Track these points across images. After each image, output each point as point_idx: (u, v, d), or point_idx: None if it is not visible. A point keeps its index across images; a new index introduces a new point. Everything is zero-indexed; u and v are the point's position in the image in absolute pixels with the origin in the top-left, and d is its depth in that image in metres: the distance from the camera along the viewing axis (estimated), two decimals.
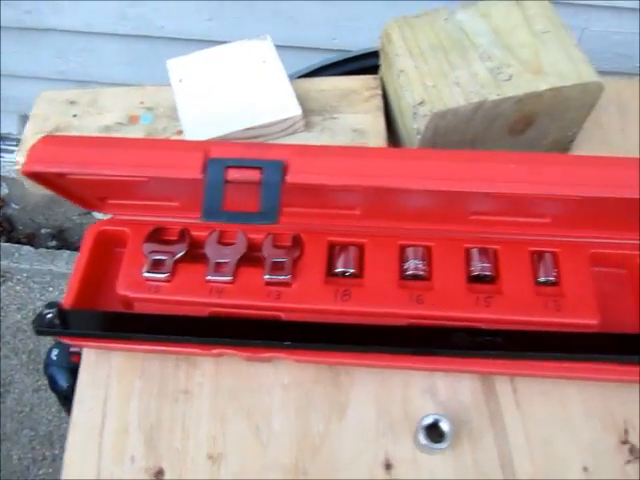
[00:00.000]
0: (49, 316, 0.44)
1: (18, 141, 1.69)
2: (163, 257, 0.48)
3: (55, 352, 1.18)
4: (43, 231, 1.70)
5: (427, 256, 0.48)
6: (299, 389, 0.46)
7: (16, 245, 1.57)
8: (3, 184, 1.76)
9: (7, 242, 1.61)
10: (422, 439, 0.41)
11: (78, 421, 0.46)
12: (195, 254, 0.50)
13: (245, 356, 0.46)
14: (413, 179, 0.39)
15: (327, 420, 0.45)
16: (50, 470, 1.35)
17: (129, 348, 0.47)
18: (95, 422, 0.46)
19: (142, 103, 0.57)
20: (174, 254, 0.49)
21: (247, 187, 0.39)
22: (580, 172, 0.38)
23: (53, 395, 1.42)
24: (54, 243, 1.67)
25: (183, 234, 0.50)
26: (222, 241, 0.50)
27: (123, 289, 0.48)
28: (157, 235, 0.50)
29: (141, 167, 0.40)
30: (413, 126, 0.49)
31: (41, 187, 0.52)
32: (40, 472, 1.36)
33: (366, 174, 0.39)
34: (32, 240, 1.68)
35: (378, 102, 0.55)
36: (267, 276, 0.47)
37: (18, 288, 1.56)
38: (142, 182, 0.43)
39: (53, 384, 1.19)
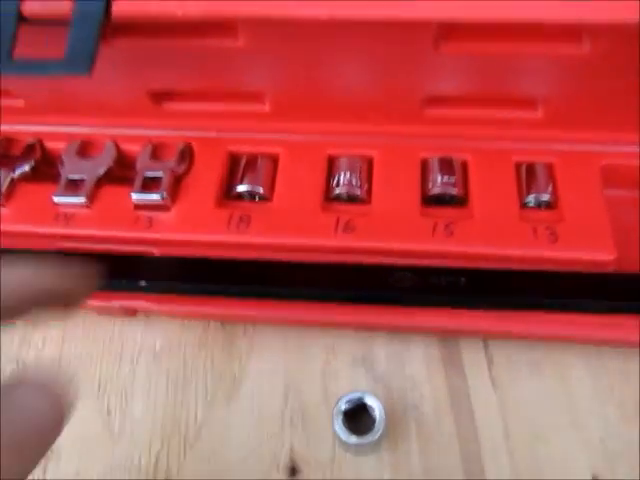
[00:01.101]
0: None
1: None
2: None
3: None
4: None
5: (365, 170, 0.34)
6: (175, 357, 0.32)
7: None
8: None
9: None
10: (338, 429, 0.27)
11: None
12: (50, 173, 0.36)
13: (95, 307, 0.31)
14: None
15: (211, 401, 0.30)
16: None
17: None
18: None
19: None
20: (12, 170, 0.35)
21: (49, 30, 0.25)
22: None
23: None
24: None
25: (32, 146, 0.36)
26: (83, 153, 0.36)
27: None
28: None
29: None
30: None
31: None
32: None
33: None
34: None
35: None
36: (136, 195, 0.33)
37: None
38: None
39: None
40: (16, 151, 0.36)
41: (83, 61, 0.23)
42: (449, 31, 0.27)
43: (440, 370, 0.31)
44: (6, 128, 0.37)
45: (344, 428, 0.26)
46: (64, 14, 0.25)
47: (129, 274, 0.30)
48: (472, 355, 0.31)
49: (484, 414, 0.29)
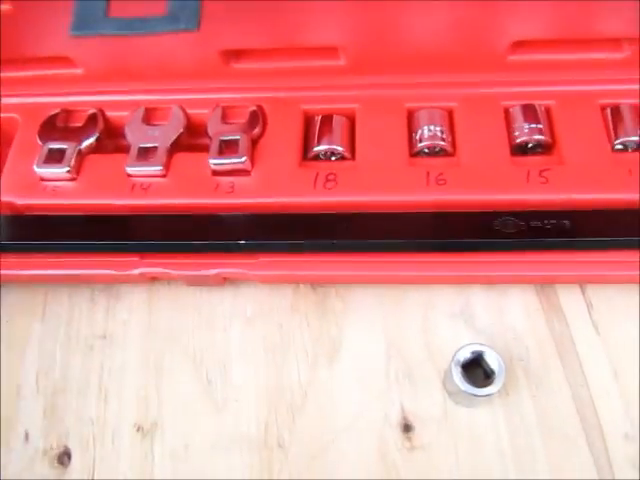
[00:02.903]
0: None
1: None
2: (63, 146, 0.33)
3: None
4: None
5: (447, 122, 0.33)
6: (268, 322, 0.31)
7: None
8: None
9: None
10: (459, 381, 0.26)
11: None
12: (115, 144, 0.35)
13: (183, 277, 0.31)
14: None
15: (312, 365, 0.30)
16: None
17: (23, 277, 0.32)
18: None
19: None
20: (79, 142, 0.33)
21: None
22: None
23: None
24: None
25: (94, 117, 0.35)
26: (149, 121, 0.34)
27: (7, 193, 0.33)
28: (57, 121, 0.35)
29: None
30: None
31: None
32: None
33: None
34: None
35: None
36: (214, 161, 0.32)
37: None
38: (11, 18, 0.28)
39: None
40: (77, 122, 0.35)
41: (190, 15, 0.22)
42: None
43: (541, 318, 0.30)
44: (65, 99, 0.35)
45: (464, 380, 0.26)
46: None
47: (225, 234, 0.29)
48: (571, 301, 0.31)
49: (590, 357, 0.29)
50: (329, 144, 0.33)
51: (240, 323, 0.31)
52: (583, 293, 0.31)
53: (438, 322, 0.31)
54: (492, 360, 0.26)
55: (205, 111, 0.34)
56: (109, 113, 0.35)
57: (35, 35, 0.30)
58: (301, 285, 0.32)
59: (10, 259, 0.31)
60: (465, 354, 0.27)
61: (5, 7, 0.27)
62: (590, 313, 0.30)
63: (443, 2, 0.29)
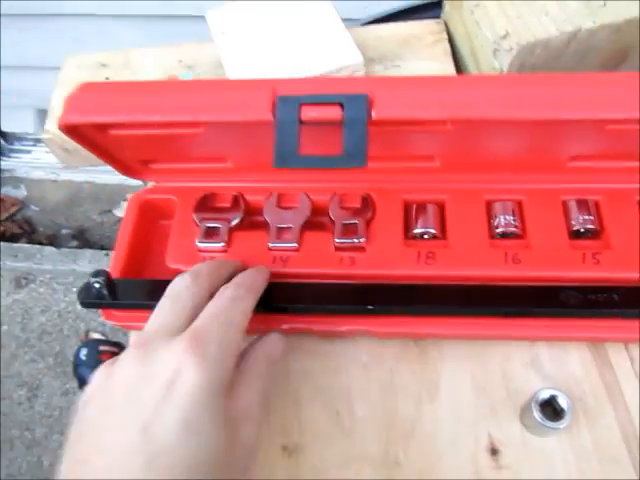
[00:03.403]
0: (97, 286, 0.38)
1: (36, 141, 1.65)
2: (217, 225, 0.43)
3: (84, 352, 1.14)
4: (64, 232, 1.66)
5: (519, 211, 0.42)
6: (381, 367, 0.40)
7: (38, 246, 1.53)
8: (22, 186, 1.73)
9: (28, 244, 1.57)
10: (538, 417, 0.35)
11: None
12: (251, 221, 0.44)
13: (320, 331, 0.40)
14: (517, 108, 0.33)
15: (417, 401, 0.39)
16: None
17: None
18: None
19: (181, 61, 0.51)
20: (229, 221, 0.43)
21: (320, 129, 0.33)
22: None
23: None
24: (75, 243, 1.62)
25: (237, 199, 0.44)
26: (281, 205, 0.44)
27: (174, 262, 0.42)
28: (208, 202, 0.44)
29: (196, 111, 0.34)
30: (494, 65, 0.43)
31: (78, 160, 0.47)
32: None
33: (463, 105, 0.33)
34: (53, 241, 1.63)
35: (445, 46, 0.49)
36: (338, 240, 0.41)
37: (42, 290, 1.52)
38: (192, 136, 0.38)
39: (83, 385, 1.14)
40: (223, 203, 0.44)
41: (359, 157, 0.31)
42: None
43: (594, 369, 0.39)
44: (212, 185, 0.45)
45: (542, 416, 0.35)
46: (332, 118, 0.33)
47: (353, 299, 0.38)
48: (617, 356, 0.39)
49: (634, 400, 0.38)
50: (425, 227, 0.42)
51: (359, 367, 0.40)
52: (627, 350, 0.39)
53: (514, 369, 0.39)
54: (563, 401, 0.35)
55: (325, 197, 0.44)
56: (248, 197, 0.44)
57: (209, 147, 0.40)
58: (405, 339, 0.41)
59: None
60: (543, 395, 0.35)
61: (196, 130, 0.37)
62: (633, 366, 0.39)
63: (518, 135, 0.38)
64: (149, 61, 0.52)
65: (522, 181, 0.42)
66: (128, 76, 0.51)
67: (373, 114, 0.33)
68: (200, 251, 0.42)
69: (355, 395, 0.39)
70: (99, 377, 0.29)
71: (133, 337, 0.30)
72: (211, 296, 0.32)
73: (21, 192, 1.72)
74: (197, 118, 0.34)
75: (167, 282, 0.37)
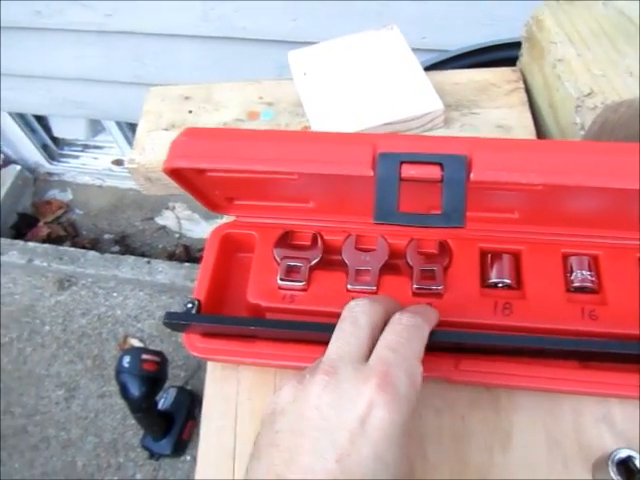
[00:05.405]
0: (189, 307, 0.41)
1: (84, 147, 1.70)
2: (298, 264, 0.44)
3: (127, 359, 1.16)
4: (106, 237, 1.70)
5: (595, 266, 0.43)
6: (454, 414, 0.41)
7: (82, 250, 1.57)
8: (68, 190, 1.77)
9: (71, 247, 1.61)
10: (614, 476, 0.36)
11: (208, 441, 0.42)
12: (328, 261, 0.46)
13: None
14: (609, 176, 0.34)
15: (489, 450, 0.40)
16: (115, 478, 1.33)
17: (262, 363, 0.42)
18: (226, 444, 0.42)
19: (261, 98, 0.53)
20: (309, 260, 0.44)
21: (419, 186, 0.34)
22: None
23: (118, 402, 1.40)
24: (117, 248, 1.66)
25: (316, 238, 0.46)
26: (359, 247, 0.45)
27: (255, 297, 0.44)
28: (288, 239, 0.46)
29: (299, 162, 0.36)
30: (575, 121, 0.44)
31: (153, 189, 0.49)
32: None
33: (557, 170, 0.34)
34: (95, 245, 1.68)
35: (522, 96, 0.50)
36: (416, 286, 0.42)
37: (83, 293, 1.56)
38: (286, 180, 0.39)
39: (125, 391, 1.17)
40: (302, 241, 0.46)
41: (458, 217, 0.33)
42: None
43: None
44: (290, 222, 0.46)
45: (619, 475, 0.36)
46: (432, 177, 0.34)
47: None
48: None
49: None
50: (500, 277, 0.43)
51: (431, 413, 0.41)
52: None
53: (585, 423, 0.40)
54: (638, 462, 0.36)
55: (402, 241, 0.45)
56: (326, 236, 0.46)
57: (296, 191, 0.42)
58: (477, 387, 0.42)
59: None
60: (621, 455, 0.36)
61: (290, 177, 0.38)
62: None
63: (603, 193, 0.39)
64: (230, 96, 0.54)
65: (598, 236, 0.43)
66: (210, 110, 0.53)
67: (472, 176, 0.34)
68: (281, 288, 0.44)
69: (427, 440, 0.40)
70: (289, 393, 0.30)
71: (322, 362, 0.31)
72: (385, 323, 0.33)
73: (67, 196, 1.77)
74: (299, 170, 0.36)
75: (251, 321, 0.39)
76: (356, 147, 0.35)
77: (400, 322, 0.32)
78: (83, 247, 1.62)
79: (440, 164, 0.34)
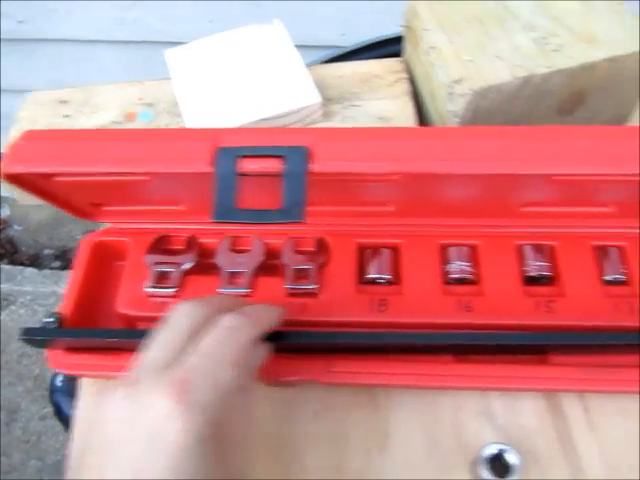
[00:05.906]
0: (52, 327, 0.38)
1: None
2: (168, 269, 0.42)
3: (60, 378, 1.12)
4: (46, 252, 1.65)
5: (473, 257, 0.42)
6: (333, 416, 0.39)
7: (19, 267, 1.52)
8: (4, 205, 1.71)
9: (10, 264, 1.55)
10: (485, 474, 0.34)
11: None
12: (206, 265, 0.44)
13: (267, 380, 0.39)
14: (462, 162, 0.33)
15: (366, 452, 0.38)
16: None
17: None
18: None
19: (141, 99, 0.51)
20: (181, 265, 0.42)
21: (266, 181, 0.33)
22: None
23: (60, 423, 1.36)
24: (58, 264, 1.61)
25: (191, 242, 0.44)
26: (236, 248, 0.43)
27: (123, 307, 0.41)
28: (161, 244, 0.44)
29: (139, 161, 0.34)
30: (448, 108, 0.43)
31: (33, 198, 0.46)
32: None
33: (406, 158, 0.33)
34: (35, 262, 1.62)
35: (405, 86, 0.49)
36: (289, 286, 0.41)
37: (22, 312, 1.50)
38: (141, 182, 0.37)
39: (59, 412, 1.12)
40: (175, 246, 0.44)
41: (298, 212, 0.31)
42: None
43: (548, 419, 0.38)
44: (164, 227, 0.44)
45: (489, 472, 0.34)
46: (272, 171, 0.32)
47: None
48: (571, 406, 0.39)
49: (586, 453, 0.37)
50: (379, 273, 0.41)
51: (309, 417, 0.39)
52: (581, 399, 0.39)
53: (465, 419, 0.39)
54: (512, 458, 0.35)
55: (280, 240, 0.43)
56: (202, 239, 0.44)
57: (159, 193, 0.40)
58: (356, 387, 0.40)
59: None
60: (491, 451, 0.35)
61: (142, 178, 0.36)
62: (586, 416, 0.38)
63: (466, 181, 0.38)
64: (110, 97, 0.52)
65: (476, 226, 0.42)
66: (87, 113, 0.51)
67: (313, 167, 0.32)
68: (150, 296, 0.42)
69: (304, 445, 0.39)
70: (89, 407, 0.31)
71: (129, 371, 0.29)
72: None
73: (5, 212, 1.71)
74: (139, 169, 0.34)
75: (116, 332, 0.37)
76: (196, 143, 0.33)
77: (217, 324, 0.30)
78: (21, 264, 1.57)
79: (280, 157, 0.32)
